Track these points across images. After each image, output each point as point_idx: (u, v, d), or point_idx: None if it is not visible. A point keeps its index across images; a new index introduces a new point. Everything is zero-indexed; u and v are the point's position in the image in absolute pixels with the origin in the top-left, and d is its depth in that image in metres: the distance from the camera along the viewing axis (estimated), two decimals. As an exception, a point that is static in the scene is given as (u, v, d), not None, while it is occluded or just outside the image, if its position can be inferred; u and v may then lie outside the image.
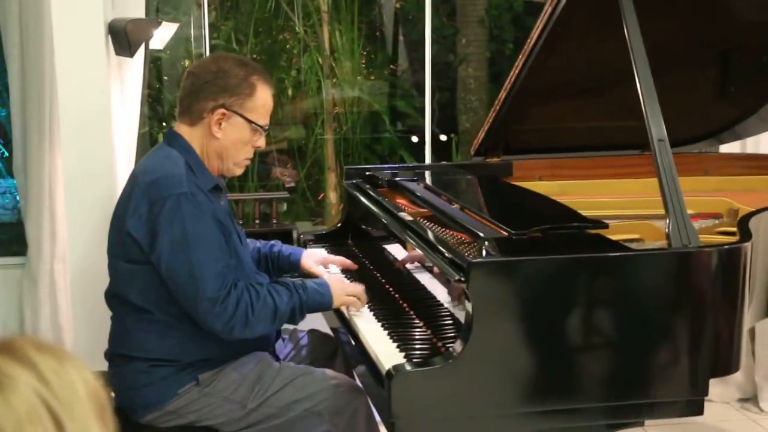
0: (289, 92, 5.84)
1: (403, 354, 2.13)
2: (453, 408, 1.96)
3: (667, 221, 2.08)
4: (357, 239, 3.29)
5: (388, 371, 1.97)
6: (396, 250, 2.76)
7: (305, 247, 3.29)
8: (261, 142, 2.50)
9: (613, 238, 2.40)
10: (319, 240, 3.36)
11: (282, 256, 2.81)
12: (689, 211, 2.84)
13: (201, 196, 2.32)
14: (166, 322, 2.36)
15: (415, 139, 5.74)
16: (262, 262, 2.79)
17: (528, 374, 1.99)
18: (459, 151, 5.84)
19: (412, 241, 2.40)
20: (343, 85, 5.72)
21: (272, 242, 2.85)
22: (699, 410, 2.07)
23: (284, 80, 5.71)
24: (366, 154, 5.85)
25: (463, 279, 1.96)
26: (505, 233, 2.20)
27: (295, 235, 3.62)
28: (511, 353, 1.96)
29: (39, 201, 3.58)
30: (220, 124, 2.41)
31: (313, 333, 2.83)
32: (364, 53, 6.06)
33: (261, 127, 2.45)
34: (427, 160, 4.61)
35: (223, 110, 2.40)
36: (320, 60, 5.60)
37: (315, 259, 2.80)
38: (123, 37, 3.04)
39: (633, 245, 2.40)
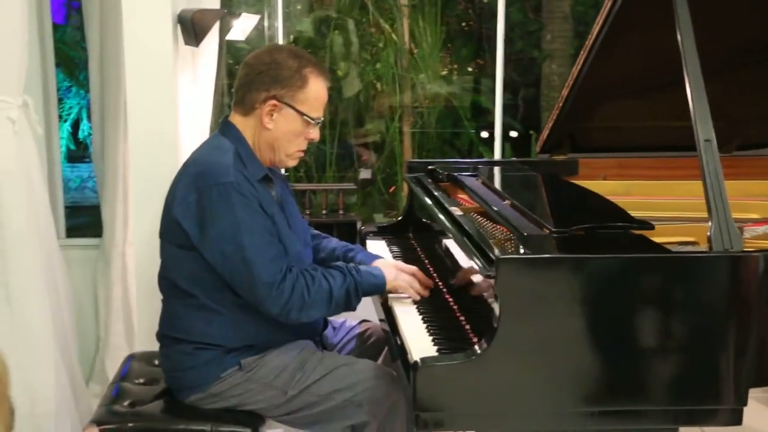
0: (379, 86, 5.86)
1: (436, 348, 2.13)
2: (477, 404, 1.95)
3: (710, 224, 2.01)
4: (417, 232, 3.29)
5: (414, 363, 1.97)
6: (451, 244, 2.74)
7: (365, 239, 3.32)
8: (315, 134, 2.52)
9: (667, 240, 2.34)
10: (381, 232, 3.38)
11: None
12: (754, 216, 2.79)
13: (246, 185, 2.36)
14: (211, 308, 2.41)
15: (485, 134, 5.70)
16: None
17: (555, 376, 1.95)
18: (538, 147, 5.76)
19: (451, 233, 2.39)
20: (424, 79, 5.71)
21: (351, 246, 2.82)
22: (738, 420, 2.00)
23: (367, 74, 5.73)
24: (446, 149, 5.84)
25: (492, 275, 1.95)
26: (546, 230, 2.18)
27: (358, 227, 3.63)
28: (538, 353, 1.94)
29: (114, 185, 3.70)
30: (272, 115, 2.44)
31: (364, 324, 2.84)
32: (449, 47, 6.04)
33: (313, 119, 2.47)
34: (497, 155, 4.57)
35: (274, 101, 2.43)
36: (400, 54, 5.61)
37: None
38: (190, 27, 3.11)
39: (688, 248, 2.35)
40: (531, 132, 5.92)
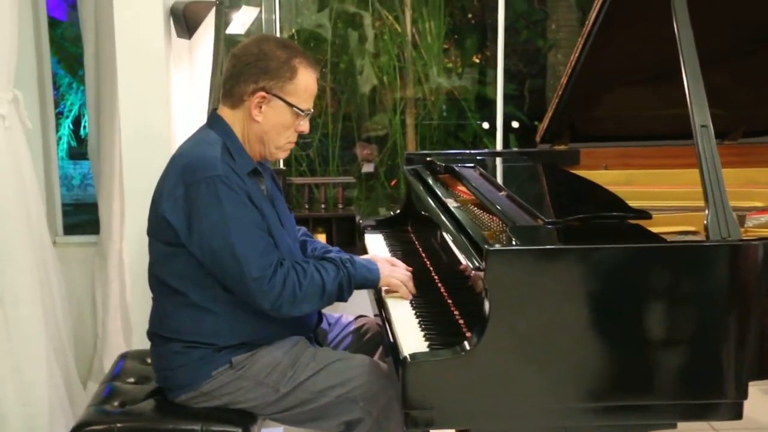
0: (385, 80, 5.78)
1: (427, 343, 2.08)
2: (469, 402, 1.90)
3: (706, 212, 1.95)
4: (416, 225, 3.24)
5: (404, 358, 1.92)
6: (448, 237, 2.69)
7: (363, 232, 3.28)
8: (304, 126, 2.48)
9: (668, 229, 2.28)
10: (379, 226, 3.34)
11: None
12: (758, 204, 2.73)
13: (234, 177, 2.31)
14: (201, 306, 2.36)
15: (486, 125, 5.63)
16: None
17: (548, 370, 1.90)
18: (543, 138, 5.68)
19: (442, 225, 2.34)
20: (428, 71, 5.64)
21: (329, 248, 2.76)
22: (739, 414, 1.94)
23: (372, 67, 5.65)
24: (450, 141, 5.77)
25: (481, 267, 1.89)
26: (540, 221, 2.12)
27: (357, 220, 3.58)
28: (530, 347, 1.88)
29: (110, 182, 3.66)
30: (261, 107, 2.39)
31: (360, 319, 2.79)
32: (456, 38, 5.97)
33: (303, 111, 2.43)
34: (499, 146, 4.52)
35: (263, 93, 2.38)
36: (403, 46, 5.54)
37: None
38: (182, 20, 3.06)
39: (688, 238, 2.29)
40: (536, 123, 5.83)
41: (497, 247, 1.89)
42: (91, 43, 3.68)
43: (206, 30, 3.49)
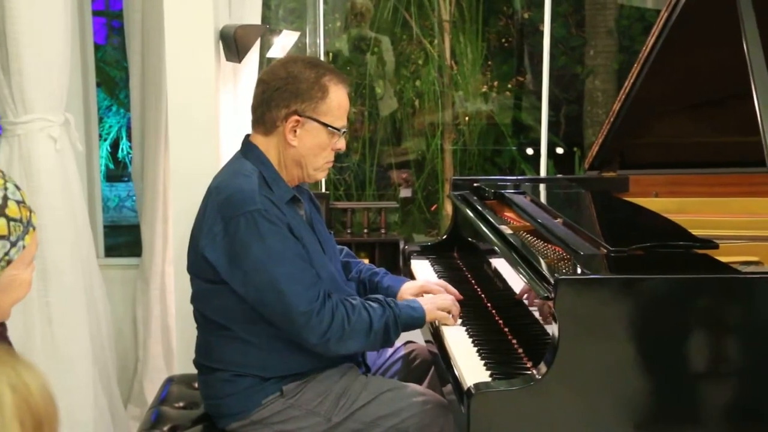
0: (417, 103, 5.78)
1: (489, 372, 2.03)
2: (534, 433, 1.85)
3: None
4: (462, 251, 3.20)
5: (468, 389, 1.88)
6: (500, 264, 2.66)
7: (409, 258, 3.24)
8: (341, 144, 2.42)
9: (730, 259, 2.24)
10: (425, 252, 3.30)
11: (380, 288, 2.66)
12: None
13: (274, 210, 2.25)
14: (246, 340, 2.32)
15: (530, 151, 5.60)
16: (360, 286, 2.69)
17: (619, 402, 1.85)
18: (582, 165, 5.65)
19: (504, 253, 2.30)
20: (465, 96, 5.63)
21: (376, 269, 2.74)
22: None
23: (407, 91, 5.66)
24: (487, 166, 5.75)
25: (550, 296, 1.85)
26: (603, 250, 2.08)
27: (401, 246, 3.55)
28: (600, 378, 1.83)
29: (153, 204, 3.66)
30: (295, 131, 2.34)
31: (408, 346, 2.75)
32: (490, 64, 5.96)
33: (338, 129, 2.38)
34: (542, 173, 4.47)
35: (296, 117, 2.32)
36: (441, 71, 5.54)
37: (412, 292, 2.61)
38: (232, 43, 3.05)
39: (751, 268, 2.24)
40: (575, 149, 5.80)
41: (567, 276, 1.85)
42: (137, 65, 3.69)
43: (251, 53, 3.50)
